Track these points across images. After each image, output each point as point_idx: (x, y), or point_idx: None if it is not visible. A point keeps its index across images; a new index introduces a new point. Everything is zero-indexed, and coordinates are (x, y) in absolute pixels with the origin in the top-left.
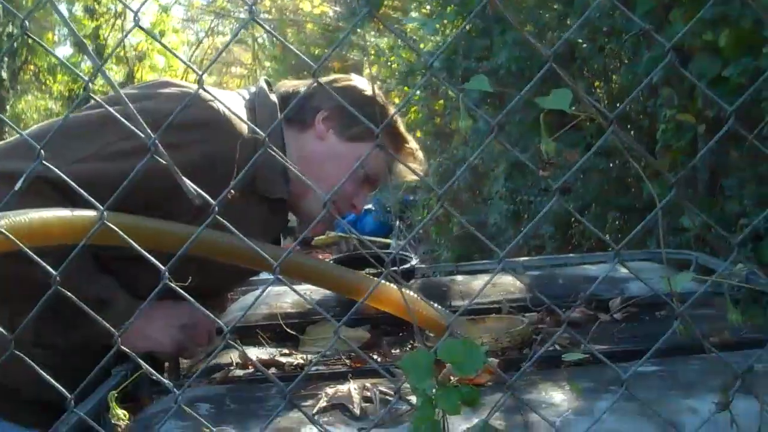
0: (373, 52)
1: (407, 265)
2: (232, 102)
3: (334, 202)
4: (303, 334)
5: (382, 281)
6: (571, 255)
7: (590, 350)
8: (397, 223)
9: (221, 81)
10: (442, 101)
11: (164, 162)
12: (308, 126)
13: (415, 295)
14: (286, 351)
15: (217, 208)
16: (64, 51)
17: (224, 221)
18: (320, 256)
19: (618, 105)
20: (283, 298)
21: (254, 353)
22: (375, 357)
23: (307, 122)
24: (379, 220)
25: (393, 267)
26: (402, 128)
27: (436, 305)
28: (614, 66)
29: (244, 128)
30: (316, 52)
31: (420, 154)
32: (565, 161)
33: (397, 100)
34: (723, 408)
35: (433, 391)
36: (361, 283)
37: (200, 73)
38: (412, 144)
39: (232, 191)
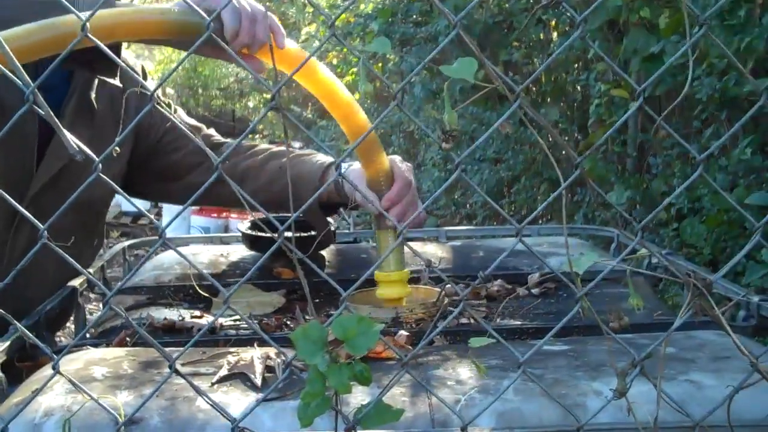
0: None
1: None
2: None
3: None
4: (217, 296)
5: None
6: (496, 226)
7: (491, 332)
8: None
9: None
10: (380, 64)
11: None
12: None
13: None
14: (197, 313)
15: None
16: None
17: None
18: None
19: (553, 77)
20: (199, 258)
21: (164, 315)
22: (288, 323)
23: None
24: None
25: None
26: None
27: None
28: (552, 38)
29: None
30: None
31: None
32: (498, 132)
33: (335, 61)
34: (620, 396)
35: (325, 366)
36: None
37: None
38: None
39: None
